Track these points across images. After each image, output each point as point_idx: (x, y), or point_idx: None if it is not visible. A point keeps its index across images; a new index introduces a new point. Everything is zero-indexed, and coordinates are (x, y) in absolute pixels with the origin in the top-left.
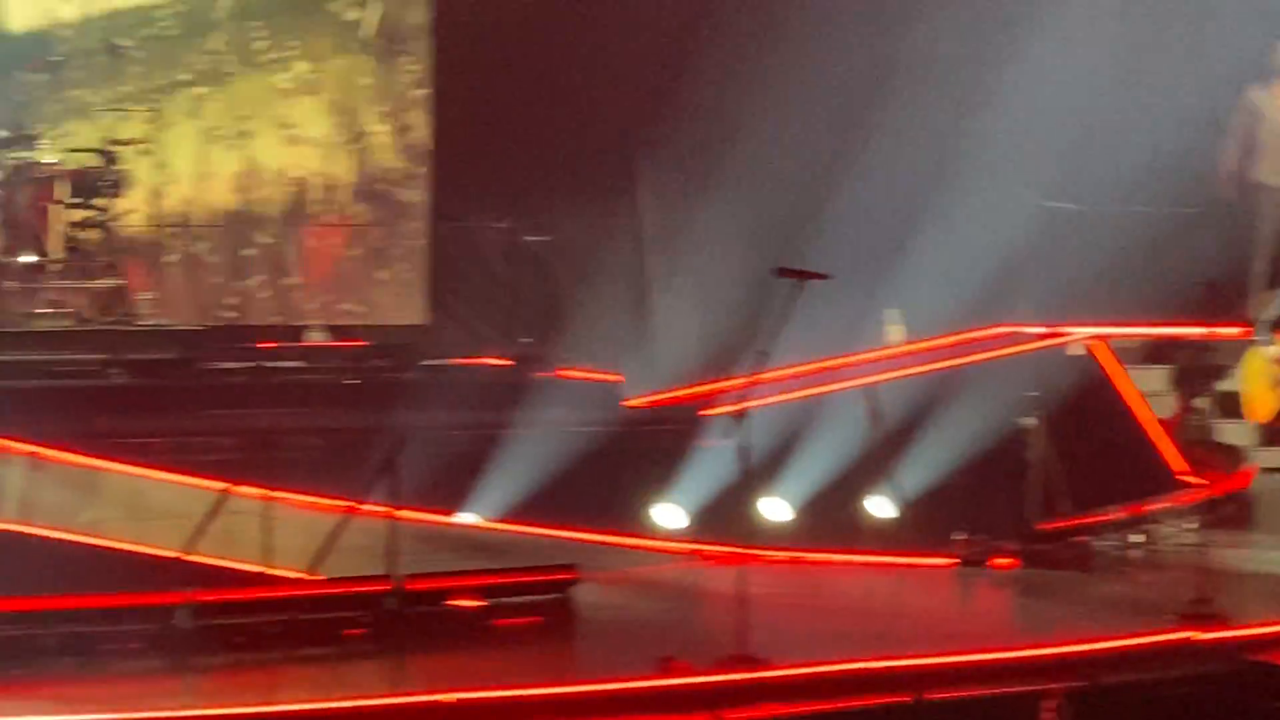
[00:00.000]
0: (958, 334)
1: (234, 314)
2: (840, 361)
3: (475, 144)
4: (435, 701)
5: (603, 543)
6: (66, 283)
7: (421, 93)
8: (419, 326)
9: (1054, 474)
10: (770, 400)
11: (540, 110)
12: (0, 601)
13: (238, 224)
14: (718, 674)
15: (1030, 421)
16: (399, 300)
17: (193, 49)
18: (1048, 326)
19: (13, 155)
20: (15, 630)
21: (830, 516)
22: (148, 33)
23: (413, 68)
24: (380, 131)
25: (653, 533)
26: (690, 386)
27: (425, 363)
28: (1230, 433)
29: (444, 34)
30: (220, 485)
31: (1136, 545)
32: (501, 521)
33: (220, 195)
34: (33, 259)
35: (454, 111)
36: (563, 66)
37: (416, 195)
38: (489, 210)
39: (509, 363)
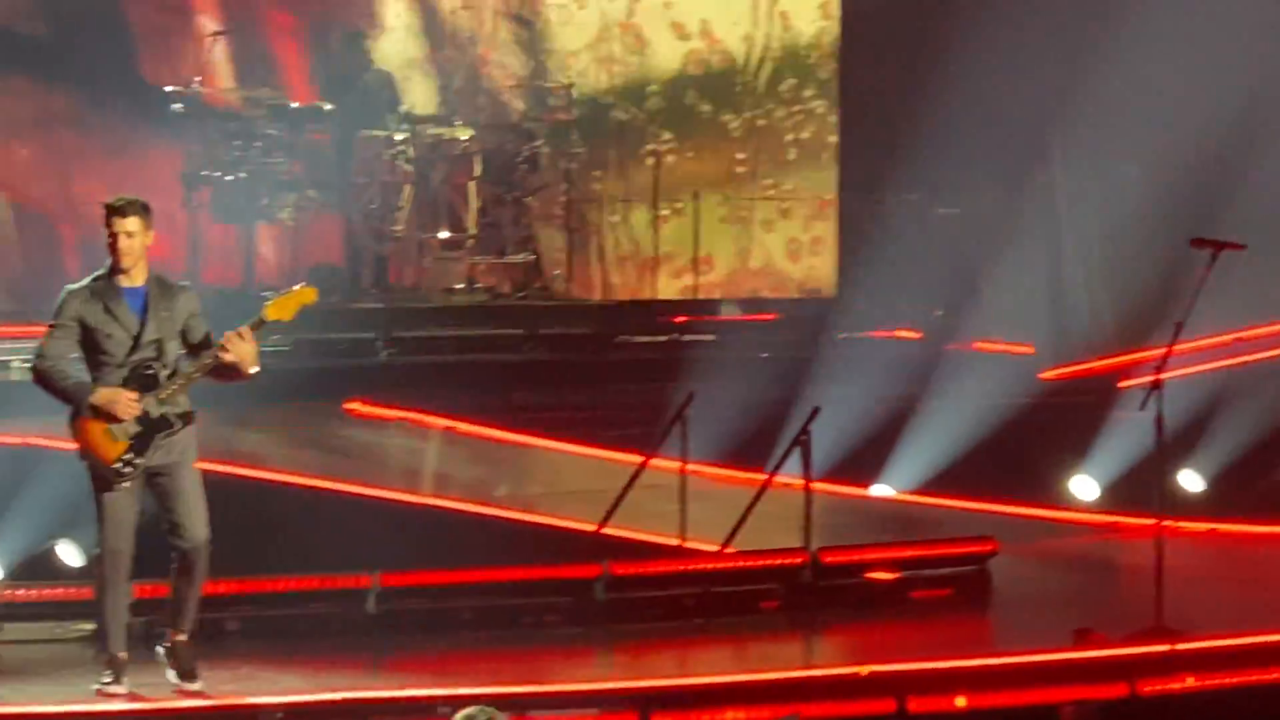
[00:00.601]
0: None
1: (643, 288)
2: (1257, 331)
3: (883, 118)
4: (851, 674)
5: (1018, 515)
6: (482, 258)
7: (828, 67)
8: (829, 299)
9: None
10: (1186, 371)
11: (950, 83)
12: (419, 575)
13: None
14: (1134, 646)
15: None
16: (808, 274)
17: None
18: None
19: (430, 132)
20: (434, 603)
21: (1248, 487)
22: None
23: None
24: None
25: (1068, 504)
26: (1105, 358)
27: (838, 336)
28: None
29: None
30: (636, 459)
31: None
32: (916, 494)
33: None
34: (448, 235)
35: (861, 85)
36: (973, 39)
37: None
38: (899, 183)
39: (920, 336)
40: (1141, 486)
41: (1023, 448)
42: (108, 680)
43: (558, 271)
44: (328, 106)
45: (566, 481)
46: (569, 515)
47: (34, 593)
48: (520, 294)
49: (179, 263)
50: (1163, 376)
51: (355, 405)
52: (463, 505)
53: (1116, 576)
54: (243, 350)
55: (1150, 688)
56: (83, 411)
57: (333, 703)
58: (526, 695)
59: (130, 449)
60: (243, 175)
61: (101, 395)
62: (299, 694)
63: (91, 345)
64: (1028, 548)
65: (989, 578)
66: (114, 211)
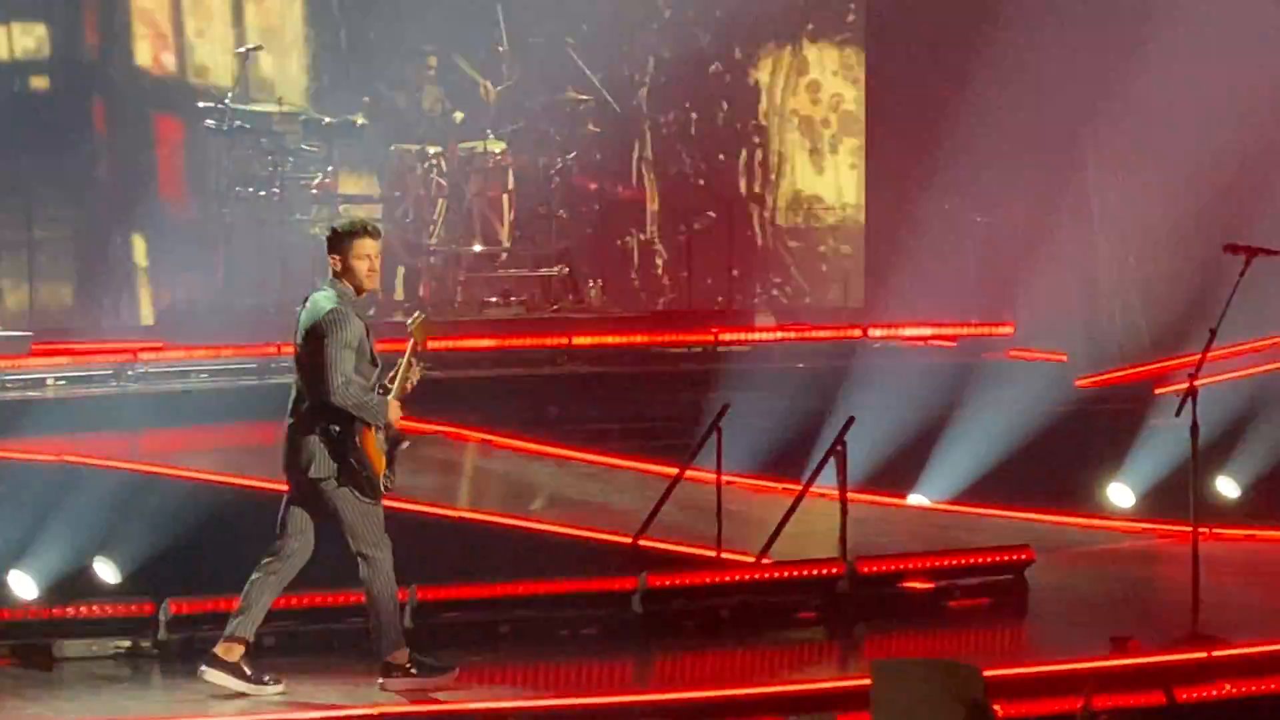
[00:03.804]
0: None
1: (678, 298)
2: None
3: (916, 123)
4: None
5: (1054, 523)
6: (516, 271)
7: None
8: (863, 308)
9: None
10: (1221, 377)
11: (987, 91)
12: (456, 589)
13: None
14: (1172, 653)
15: None
16: (839, 281)
17: None
18: None
19: (464, 145)
20: (475, 616)
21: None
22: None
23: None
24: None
25: (1105, 512)
26: (1140, 365)
27: (873, 345)
28: None
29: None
30: (672, 470)
31: None
32: (952, 503)
33: None
34: (481, 249)
35: (890, 87)
36: (1009, 48)
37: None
38: (932, 190)
39: (955, 344)
40: (1178, 493)
41: (1058, 456)
42: (414, 673)
43: (592, 284)
44: (360, 121)
45: (602, 494)
46: (605, 528)
47: (95, 608)
48: (555, 307)
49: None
50: (1198, 383)
51: None
52: (499, 518)
53: (1153, 584)
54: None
55: (1187, 695)
56: (378, 425)
57: (371, 717)
58: (564, 708)
59: (387, 462)
60: (275, 190)
61: (394, 409)
62: (337, 709)
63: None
64: (1064, 556)
65: (1026, 586)
66: (369, 234)
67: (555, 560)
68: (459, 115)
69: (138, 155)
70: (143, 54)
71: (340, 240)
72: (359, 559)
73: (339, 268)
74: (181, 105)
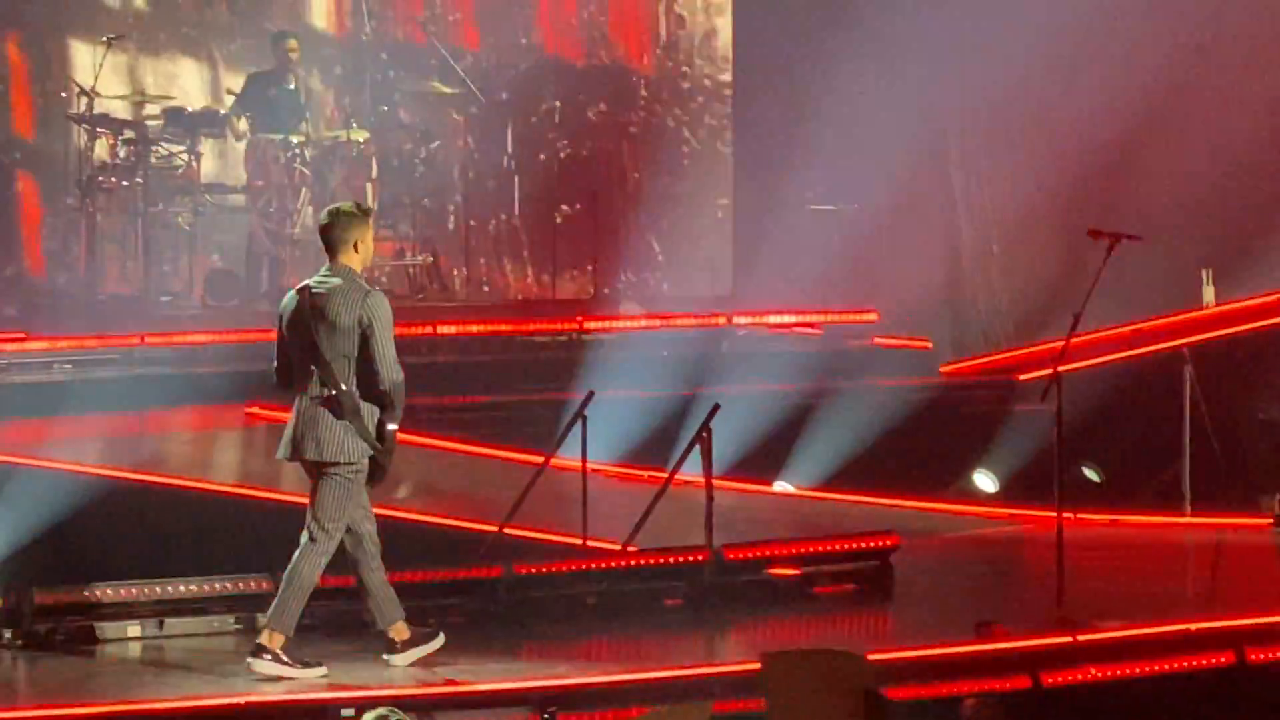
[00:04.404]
0: (1276, 293)
1: (540, 288)
2: (1154, 323)
3: (782, 111)
4: (754, 670)
5: (921, 509)
6: (380, 260)
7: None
8: (728, 296)
9: None
10: (1086, 363)
11: (847, 79)
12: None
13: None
14: (1036, 638)
15: None
16: (706, 270)
17: None
18: None
19: (327, 134)
20: (340, 605)
21: (1146, 479)
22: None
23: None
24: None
25: (969, 498)
26: (1004, 352)
27: (738, 333)
28: None
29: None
30: (537, 459)
31: None
32: (818, 490)
33: None
34: None
35: (756, 79)
36: (873, 35)
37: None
38: (797, 181)
39: (819, 332)
40: (1042, 479)
41: (923, 442)
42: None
43: (457, 273)
44: (223, 111)
45: (468, 483)
46: (471, 516)
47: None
48: (419, 296)
49: (80, 270)
50: (1062, 369)
51: (257, 409)
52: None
53: (1018, 569)
54: None
55: (1053, 679)
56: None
57: (237, 706)
58: (429, 696)
59: None
60: (139, 180)
61: None
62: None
63: None
64: (930, 542)
65: (892, 572)
66: (370, 215)
67: (421, 549)
68: (325, 105)
69: None
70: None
71: (357, 222)
72: (308, 536)
73: (351, 250)
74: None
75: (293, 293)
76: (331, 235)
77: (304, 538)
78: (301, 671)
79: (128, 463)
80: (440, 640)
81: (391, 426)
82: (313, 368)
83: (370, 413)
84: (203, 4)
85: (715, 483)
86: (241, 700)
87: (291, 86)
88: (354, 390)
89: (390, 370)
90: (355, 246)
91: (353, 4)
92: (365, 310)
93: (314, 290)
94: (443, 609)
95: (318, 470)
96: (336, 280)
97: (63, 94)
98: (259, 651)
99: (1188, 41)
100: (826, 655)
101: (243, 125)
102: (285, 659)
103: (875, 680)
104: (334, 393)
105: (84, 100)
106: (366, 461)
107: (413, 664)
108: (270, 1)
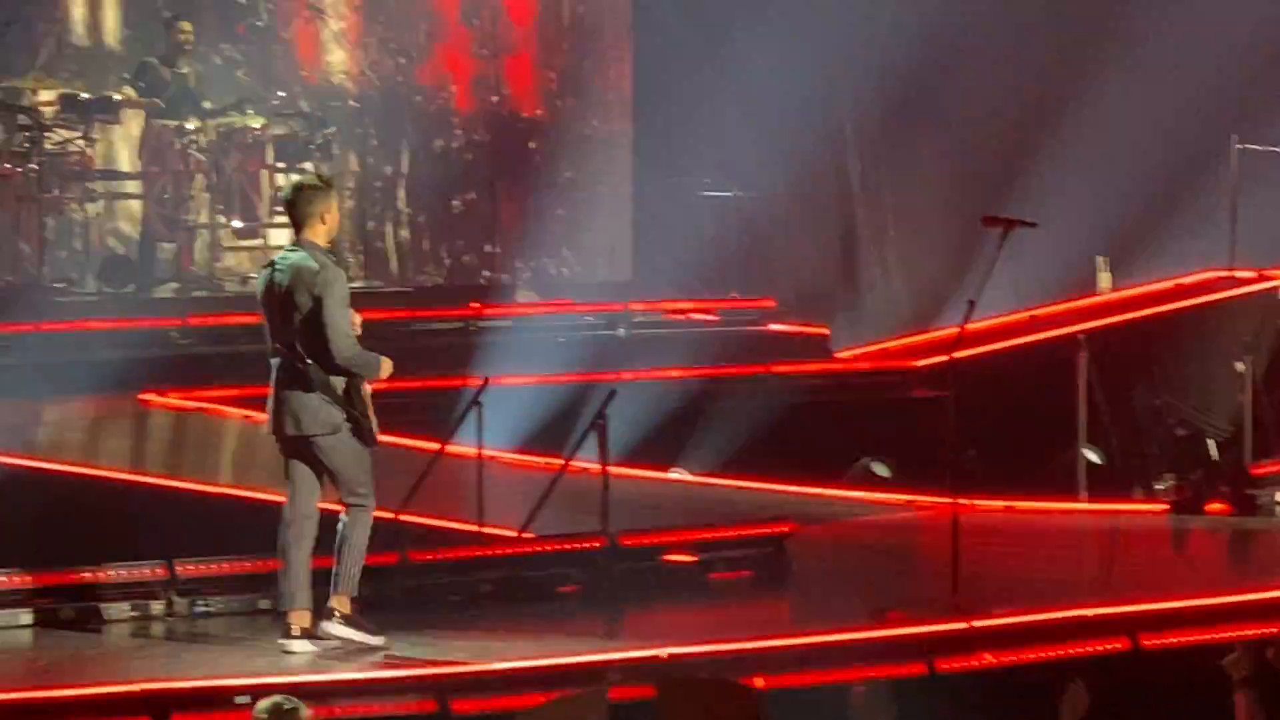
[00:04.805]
0: (1169, 279)
1: (440, 276)
2: (1049, 310)
3: (677, 102)
4: (650, 657)
5: (816, 495)
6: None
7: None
8: (625, 283)
9: (1266, 418)
10: (981, 349)
11: (742, 66)
12: (221, 565)
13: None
14: (932, 624)
15: (1241, 366)
16: (604, 257)
17: None
18: (1258, 271)
19: (223, 120)
20: (233, 594)
21: (1042, 464)
22: None
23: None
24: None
25: (864, 484)
26: (899, 338)
27: (634, 319)
28: None
29: None
30: (433, 446)
31: None
32: (713, 476)
33: None
34: (241, 225)
35: (655, 68)
36: (771, 18)
37: (621, 153)
38: (693, 168)
39: (715, 317)
40: (936, 465)
41: (820, 428)
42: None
43: (353, 259)
44: (117, 96)
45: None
46: None
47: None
48: None
49: None
50: (957, 355)
51: (151, 396)
52: (259, 494)
53: (913, 555)
54: None
55: (948, 665)
56: (375, 376)
57: (133, 694)
58: (325, 684)
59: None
60: (34, 167)
61: (387, 366)
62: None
63: None
64: (825, 528)
65: (787, 558)
66: (333, 186)
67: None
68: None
69: None
70: None
71: (320, 195)
72: (349, 508)
73: (317, 223)
74: None
75: (262, 270)
76: (297, 210)
77: (343, 517)
78: (368, 637)
79: (18, 448)
80: (368, 641)
81: (366, 388)
82: (279, 344)
83: (339, 380)
84: None
85: (611, 469)
86: (138, 688)
87: (184, 71)
88: (324, 363)
89: (342, 343)
90: (322, 218)
91: None
92: (319, 284)
93: (277, 266)
94: None
95: (309, 445)
96: (295, 255)
97: None
98: (329, 614)
99: (1082, 29)
100: (721, 685)
101: (134, 93)
102: (356, 623)
103: (763, 713)
104: (301, 366)
105: None
106: (347, 425)
107: (309, 651)
108: None
